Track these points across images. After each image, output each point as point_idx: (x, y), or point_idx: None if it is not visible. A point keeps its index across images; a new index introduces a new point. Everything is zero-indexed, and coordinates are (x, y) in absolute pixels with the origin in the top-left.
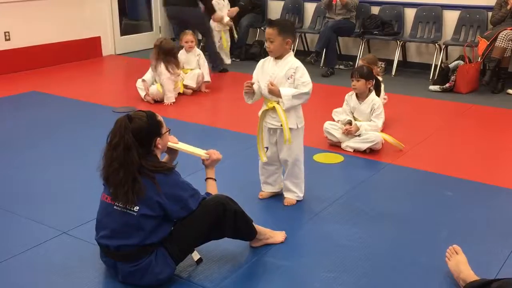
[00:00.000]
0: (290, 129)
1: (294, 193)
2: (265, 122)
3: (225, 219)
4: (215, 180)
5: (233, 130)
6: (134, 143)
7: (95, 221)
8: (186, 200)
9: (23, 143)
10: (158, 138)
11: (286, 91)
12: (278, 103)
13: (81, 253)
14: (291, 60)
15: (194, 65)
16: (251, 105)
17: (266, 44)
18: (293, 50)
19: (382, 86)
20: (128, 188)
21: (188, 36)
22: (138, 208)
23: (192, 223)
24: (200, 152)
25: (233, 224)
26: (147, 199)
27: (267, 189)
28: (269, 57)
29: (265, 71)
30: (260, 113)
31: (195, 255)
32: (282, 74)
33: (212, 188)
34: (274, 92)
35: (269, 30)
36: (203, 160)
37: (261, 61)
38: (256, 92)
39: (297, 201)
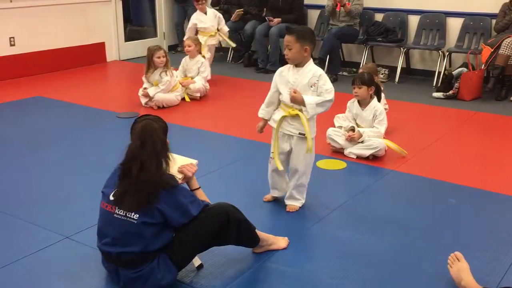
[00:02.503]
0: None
1: (298, 200)
2: (281, 128)
3: (229, 227)
4: (200, 187)
5: (235, 136)
6: (165, 143)
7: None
8: (186, 206)
9: (27, 148)
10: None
11: (310, 99)
12: (300, 111)
13: (83, 258)
14: (313, 68)
15: (194, 73)
16: (253, 111)
17: (285, 52)
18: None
19: (382, 95)
20: (141, 196)
21: (187, 41)
22: (138, 216)
23: (195, 230)
24: (175, 174)
25: (237, 232)
26: (147, 206)
27: (274, 194)
28: (288, 65)
29: (285, 79)
30: (277, 118)
31: (196, 261)
32: (305, 82)
33: (202, 197)
34: (297, 100)
35: (287, 37)
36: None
37: (280, 69)
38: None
39: (300, 207)
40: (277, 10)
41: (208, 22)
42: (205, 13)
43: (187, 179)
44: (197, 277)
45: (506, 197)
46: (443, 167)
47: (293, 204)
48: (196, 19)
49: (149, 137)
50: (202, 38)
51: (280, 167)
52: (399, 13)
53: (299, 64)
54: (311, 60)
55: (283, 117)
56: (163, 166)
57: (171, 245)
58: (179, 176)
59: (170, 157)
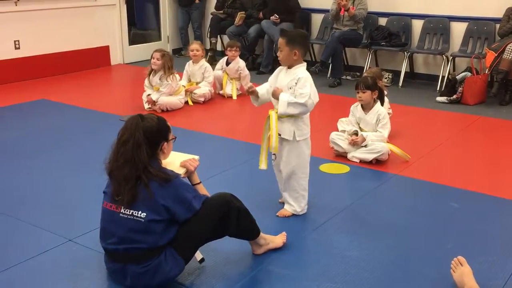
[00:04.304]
0: (286, 140)
1: (291, 206)
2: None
3: (229, 216)
4: (200, 182)
5: (238, 139)
6: (144, 141)
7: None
8: (190, 201)
9: (31, 150)
10: (165, 143)
11: (284, 97)
12: (277, 111)
13: (87, 260)
14: (298, 72)
15: (199, 79)
16: (258, 115)
17: (278, 53)
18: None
19: (386, 99)
20: (132, 186)
21: (194, 45)
22: (145, 214)
23: (197, 221)
24: (177, 170)
25: (237, 221)
26: (152, 204)
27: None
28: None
29: (278, 78)
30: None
31: (198, 255)
32: (285, 83)
33: (203, 191)
34: (275, 95)
35: (280, 40)
36: (182, 176)
37: (279, 68)
38: (261, 97)
39: (293, 214)
40: (275, 11)
41: (227, 71)
42: (228, 63)
43: (189, 174)
44: (198, 280)
45: (509, 202)
46: (446, 172)
47: (285, 209)
48: (217, 66)
49: (128, 132)
50: (225, 78)
51: (261, 166)
52: (403, 17)
53: (289, 66)
54: (303, 63)
55: (268, 119)
56: (143, 157)
57: (176, 238)
58: (181, 171)
59: (162, 157)
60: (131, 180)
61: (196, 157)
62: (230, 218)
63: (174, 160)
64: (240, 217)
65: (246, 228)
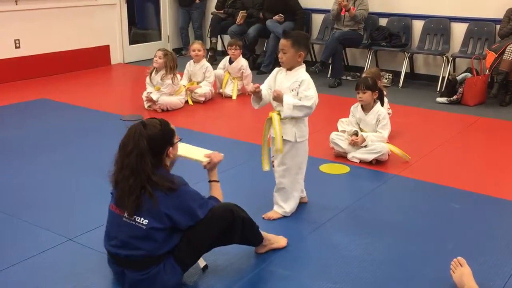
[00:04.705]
0: (287, 141)
1: (281, 208)
2: (270, 132)
3: (234, 227)
4: (218, 181)
5: (238, 139)
6: (148, 150)
7: (101, 229)
8: (194, 210)
9: (31, 150)
10: (170, 147)
11: (289, 100)
12: (279, 113)
13: (86, 260)
14: (299, 73)
15: (200, 78)
16: (258, 115)
17: (279, 55)
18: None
19: (386, 99)
20: (136, 197)
21: (195, 45)
22: (147, 221)
23: (200, 231)
24: (201, 158)
25: (241, 231)
26: (155, 212)
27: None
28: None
29: (276, 80)
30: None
31: (201, 262)
32: (287, 85)
33: (217, 191)
34: (278, 99)
35: (283, 41)
36: (204, 165)
37: (276, 69)
38: (263, 98)
39: (284, 216)
40: (272, 10)
41: (229, 70)
42: (231, 62)
43: (211, 165)
44: (200, 279)
45: (510, 202)
46: (447, 172)
47: (274, 211)
48: (220, 65)
49: (132, 142)
50: (226, 77)
51: (265, 168)
52: (403, 18)
53: (290, 68)
54: (303, 65)
55: (268, 120)
56: (147, 168)
57: (178, 246)
58: (204, 159)
59: (167, 161)
60: (135, 190)
61: (221, 154)
62: (234, 228)
63: (199, 151)
64: (245, 228)
65: (250, 238)
